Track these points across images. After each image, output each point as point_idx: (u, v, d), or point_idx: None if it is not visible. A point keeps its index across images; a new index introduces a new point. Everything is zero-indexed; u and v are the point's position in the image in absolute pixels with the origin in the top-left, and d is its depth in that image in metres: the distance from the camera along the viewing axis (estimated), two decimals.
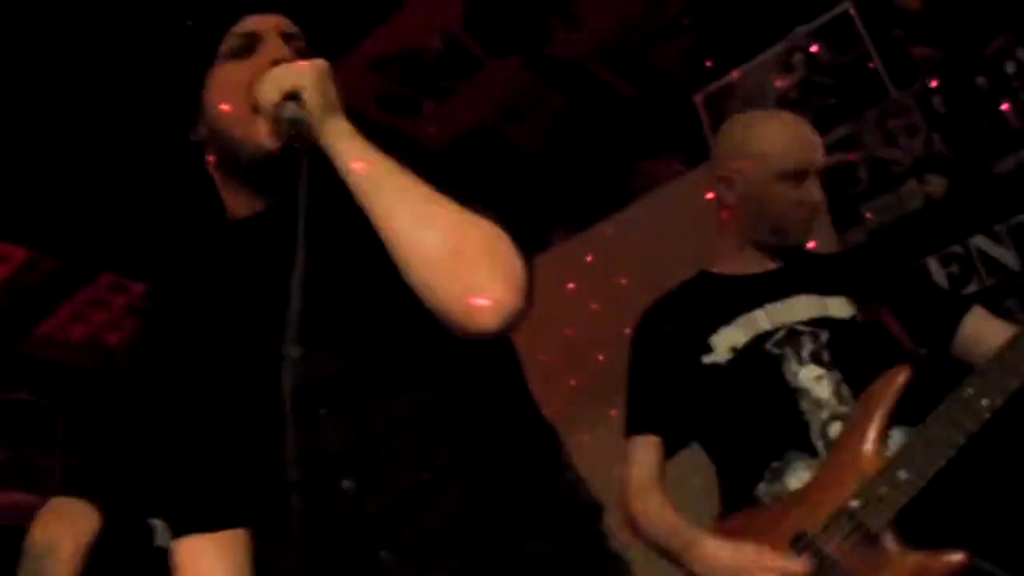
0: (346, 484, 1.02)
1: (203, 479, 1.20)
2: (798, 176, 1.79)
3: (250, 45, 1.14)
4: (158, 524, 1.78)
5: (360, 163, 1.03)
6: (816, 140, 1.86)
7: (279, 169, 1.10)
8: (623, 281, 3.01)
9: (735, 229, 1.87)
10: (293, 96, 1.04)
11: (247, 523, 1.20)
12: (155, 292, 1.31)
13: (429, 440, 1.05)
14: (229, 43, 1.14)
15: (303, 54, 1.15)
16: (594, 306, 2.97)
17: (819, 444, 1.61)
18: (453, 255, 0.99)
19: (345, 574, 1.05)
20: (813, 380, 1.65)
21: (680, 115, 3.38)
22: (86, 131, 3.23)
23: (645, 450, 1.78)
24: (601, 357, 2.92)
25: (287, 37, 1.17)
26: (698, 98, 3.38)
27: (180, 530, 1.22)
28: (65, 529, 1.66)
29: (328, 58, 1.16)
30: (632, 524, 1.73)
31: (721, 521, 1.71)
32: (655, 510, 1.72)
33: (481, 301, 0.98)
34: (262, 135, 1.10)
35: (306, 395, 0.99)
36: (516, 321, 1.03)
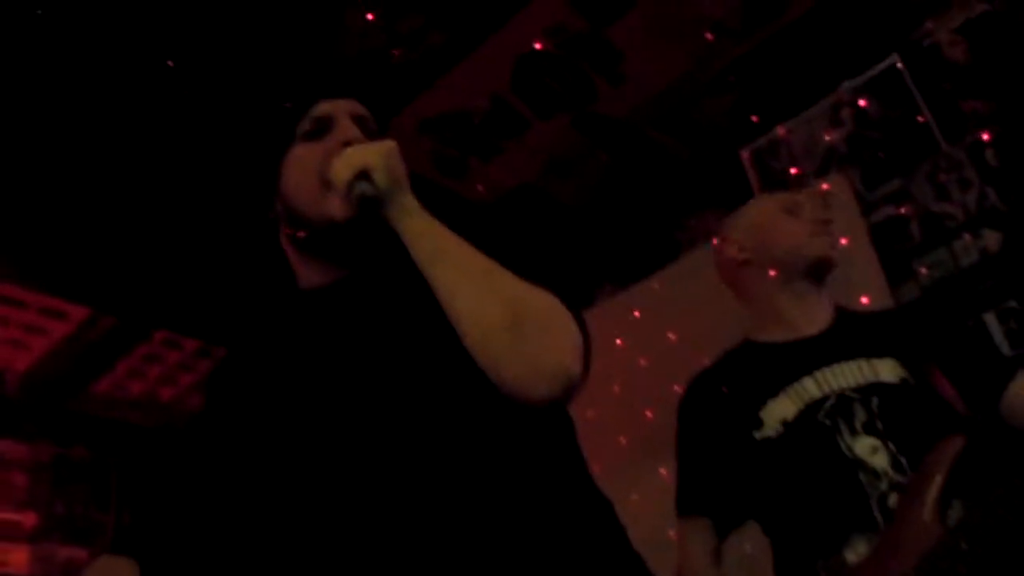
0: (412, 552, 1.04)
1: (251, 544, 1.23)
2: (797, 205, 1.83)
3: (324, 128, 1.22)
4: None
5: (422, 239, 1.09)
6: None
7: (347, 241, 1.17)
8: (671, 336, 2.99)
9: (760, 283, 1.86)
10: (363, 175, 1.11)
11: None
12: (225, 358, 1.35)
13: (492, 513, 1.06)
14: (304, 126, 1.22)
15: (373, 136, 1.22)
16: (642, 362, 2.95)
17: (878, 517, 1.56)
18: (512, 328, 1.03)
19: None
20: (869, 451, 1.61)
21: (726, 171, 3.38)
22: (149, 198, 3.34)
23: (699, 531, 1.74)
24: (650, 414, 2.89)
25: (358, 120, 1.24)
26: (745, 154, 3.39)
27: None
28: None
29: (377, 119, 1.21)
30: None
31: None
32: None
33: (540, 373, 1.02)
34: (333, 209, 1.15)
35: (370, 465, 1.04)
36: (574, 390, 1.06)
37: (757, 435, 1.69)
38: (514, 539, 1.05)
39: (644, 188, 3.66)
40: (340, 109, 1.24)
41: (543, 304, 1.07)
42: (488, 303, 1.05)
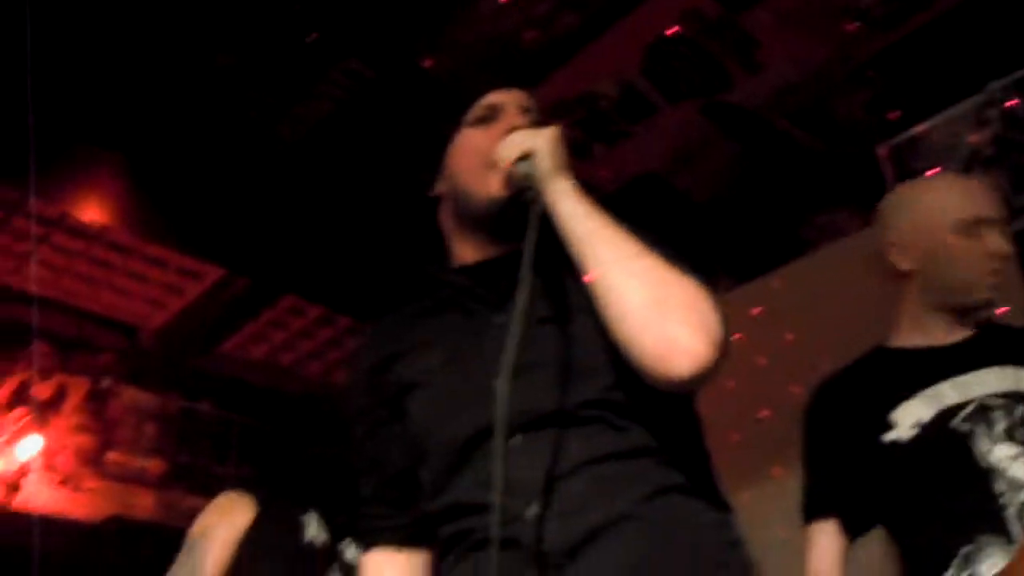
0: (530, 512, 1.08)
1: (396, 498, 1.30)
2: (976, 225, 1.67)
3: (492, 115, 1.29)
4: (309, 520, 1.87)
5: (577, 219, 1.14)
6: (991, 192, 1.76)
7: (505, 218, 1.23)
8: (789, 336, 2.91)
9: (913, 297, 1.76)
10: (527, 157, 1.18)
11: (429, 543, 1.29)
12: (374, 326, 1.43)
13: (612, 484, 1.10)
14: (474, 112, 1.30)
15: (537, 125, 1.28)
16: (759, 360, 2.88)
17: (1015, 528, 1.49)
18: (655, 306, 1.07)
19: None
20: (1009, 459, 1.53)
21: (861, 168, 3.26)
22: (302, 168, 3.46)
23: (827, 537, 1.68)
24: (765, 413, 2.83)
25: (524, 110, 1.31)
26: (882, 151, 3.25)
27: (369, 543, 1.32)
28: (221, 519, 1.79)
29: None
30: None
31: None
32: None
33: (678, 352, 1.05)
34: (494, 186, 1.23)
35: (507, 424, 1.07)
36: (710, 373, 1.07)
37: (887, 438, 1.63)
38: (640, 510, 1.08)
39: (772, 182, 3.56)
40: (509, 99, 1.31)
41: (687, 288, 1.10)
42: (634, 280, 1.09)
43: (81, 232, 4.47)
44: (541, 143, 1.18)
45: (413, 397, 1.26)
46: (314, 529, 1.88)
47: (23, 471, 4.27)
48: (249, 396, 5.45)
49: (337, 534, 1.90)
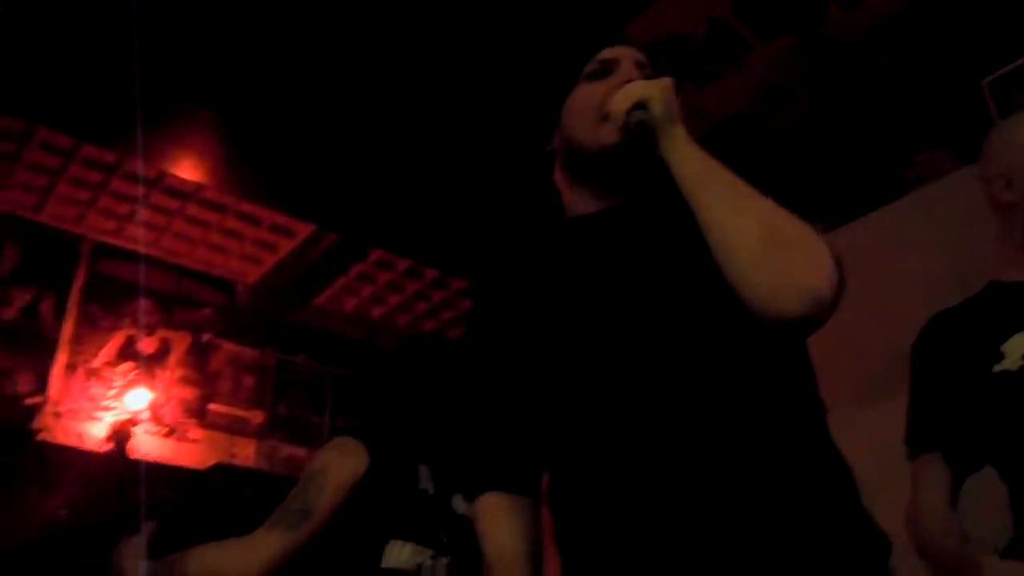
0: (647, 451, 1.09)
1: (508, 444, 1.33)
2: None
3: (607, 70, 1.32)
4: (422, 472, 1.90)
5: (690, 163, 1.16)
6: None
7: (618, 167, 1.25)
8: (887, 278, 2.82)
9: (1018, 230, 1.70)
10: (641, 105, 1.20)
11: (539, 490, 1.31)
12: (487, 282, 1.47)
13: (728, 427, 1.09)
14: (590, 67, 1.33)
15: (651, 79, 1.30)
16: (853, 302, 2.80)
17: None
18: (767, 242, 1.07)
19: (630, 553, 1.09)
20: None
21: (963, 104, 3.12)
22: (398, 127, 3.48)
23: (934, 470, 1.64)
24: (865, 354, 2.76)
25: (639, 65, 1.33)
26: (985, 85, 3.10)
27: (481, 489, 1.35)
28: (338, 459, 1.79)
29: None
30: (922, 548, 1.62)
31: (1017, 548, 1.56)
32: (946, 530, 1.60)
33: (792, 288, 1.04)
34: (607, 136, 1.25)
35: (624, 380, 1.10)
36: (824, 311, 1.06)
37: (996, 368, 1.58)
38: (757, 473, 1.07)
39: (870, 120, 3.44)
40: (624, 54, 1.34)
41: (799, 227, 1.10)
42: (747, 219, 1.09)
43: (178, 191, 4.61)
44: (655, 92, 1.19)
45: (527, 331, 1.28)
46: (426, 481, 1.91)
47: (133, 421, 4.47)
48: (342, 348, 5.59)
49: (446, 488, 1.93)
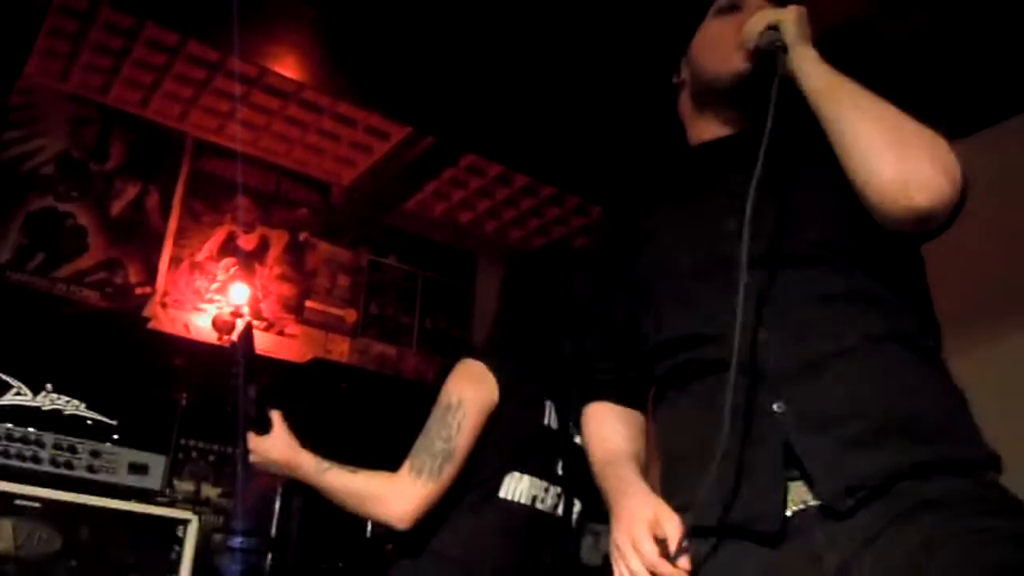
0: (760, 336, 1.16)
1: (618, 353, 1.40)
2: None
3: (736, 5, 1.37)
4: (548, 404, 1.92)
5: (818, 77, 1.20)
6: None
7: (749, 91, 1.29)
8: (1012, 193, 2.72)
9: None
10: (774, 27, 1.25)
11: (644, 403, 1.39)
12: (613, 208, 1.55)
13: (838, 320, 1.16)
14: (718, 4, 1.39)
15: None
16: (986, 216, 2.71)
17: None
18: (895, 144, 1.11)
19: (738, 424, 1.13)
20: None
21: None
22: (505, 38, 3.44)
23: None
24: (986, 270, 2.68)
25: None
26: None
27: (590, 397, 1.43)
28: (473, 391, 1.81)
29: None
30: None
31: None
32: None
33: (918, 184, 1.09)
34: (738, 63, 1.31)
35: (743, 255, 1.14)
36: (947, 210, 1.11)
37: None
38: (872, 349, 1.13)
39: (998, 25, 3.26)
40: None
41: (926, 130, 1.14)
42: (874, 123, 1.14)
43: (277, 91, 4.67)
44: (788, 15, 1.25)
45: (646, 245, 1.35)
46: (550, 416, 1.93)
47: (236, 314, 4.65)
48: (431, 252, 5.67)
49: (568, 420, 1.95)
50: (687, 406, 1.25)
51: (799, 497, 1.09)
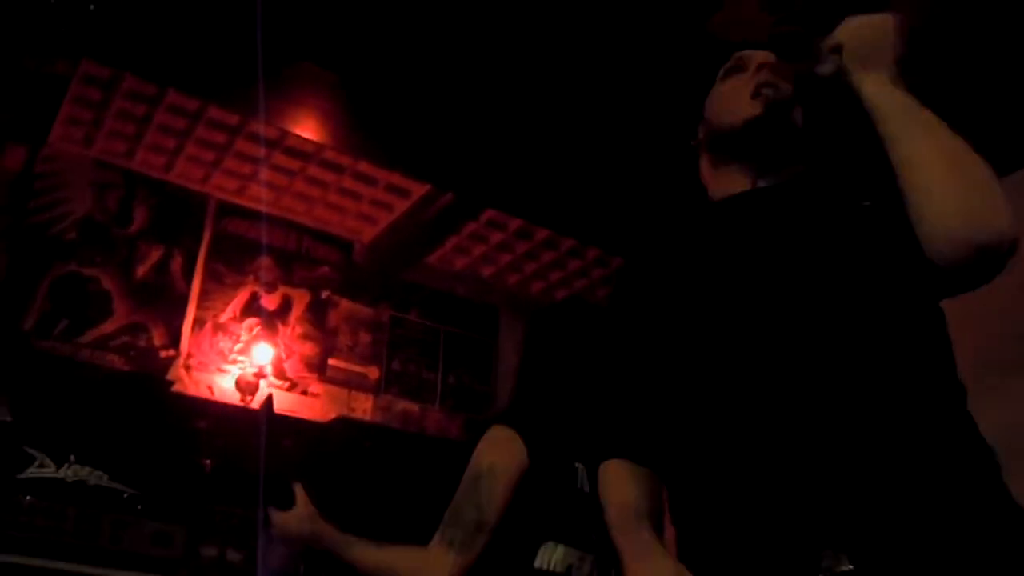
0: (774, 453, 1.08)
1: (639, 415, 1.35)
2: None
3: (743, 66, 1.39)
4: (581, 468, 1.86)
5: (886, 97, 1.15)
6: None
7: (763, 139, 1.29)
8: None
9: None
10: (836, 49, 1.20)
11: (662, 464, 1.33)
12: (632, 261, 1.53)
13: (865, 431, 1.07)
14: (725, 67, 1.41)
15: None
16: None
17: None
18: (960, 176, 1.08)
19: (752, 535, 1.08)
20: None
21: None
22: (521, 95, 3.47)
23: None
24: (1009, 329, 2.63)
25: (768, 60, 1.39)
26: None
27: (609, 456, 1.38)
28: (503, 457, 1.76)
29: None
30: None
31: None
32: None
33: (979, 221, 1.05)
34: (751, 110, 1.31)
35: (759, 358, 1.11)
36: (1003, 254, 1.07)
37: None
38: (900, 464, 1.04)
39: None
40: (757, 53, 1.40)
41: (987, 167, 1.11)
42: (942, 154, 1.10)
43: (299, 152, 4.71)
44: (847, 35, 1.20)
45: (669, 318, 1.29)
46: (583, 480, 1.87)
47: (260, 375, 4.64)
48: (452, 306, 5.66)
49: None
50: (697, 480, 1.21)
51: None
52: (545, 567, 1.76)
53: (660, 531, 1.29)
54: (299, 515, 1.81)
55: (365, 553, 1.75)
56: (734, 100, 1.34)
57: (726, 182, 1.36)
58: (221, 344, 4.78)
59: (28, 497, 2.53)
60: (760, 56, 1.37)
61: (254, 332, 4.87)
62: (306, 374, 4.98)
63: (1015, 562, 1.00)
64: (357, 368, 5.18)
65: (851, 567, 0.99)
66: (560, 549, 1.78)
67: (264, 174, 4.87)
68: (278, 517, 1.82)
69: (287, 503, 1.83)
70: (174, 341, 4.66)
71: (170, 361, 4.60)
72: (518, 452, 1.78)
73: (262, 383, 4.70)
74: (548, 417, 1.88)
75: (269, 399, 2.04)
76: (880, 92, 1.15)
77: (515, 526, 1.76)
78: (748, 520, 1.08)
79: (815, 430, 1.07)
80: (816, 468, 1.05)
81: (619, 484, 1.33)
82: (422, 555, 1.71)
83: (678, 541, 1.22)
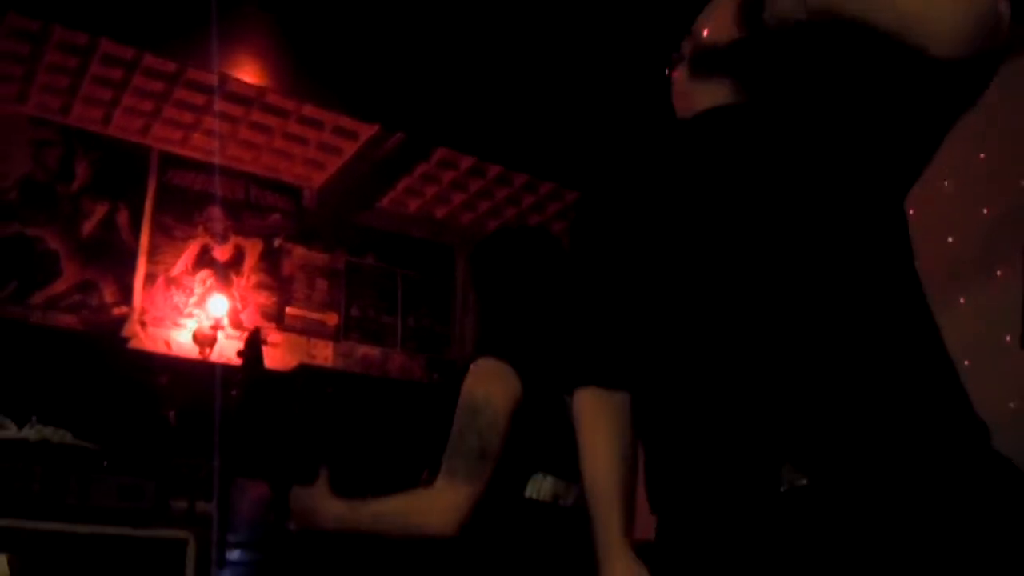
0: (741, 364, 1.10)
1: (609, 340, 1.35)
2: None
3: None
4: (569, 399, 1.86)
5: None
6: None
7: (739, 56, 1.28)
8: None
9: None
10: None
11: (631, 384, 1.34)
12: (596, 184, 1.48)
13: (827, 337, 1.08)
14: None
15: None
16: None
17: None
18: None
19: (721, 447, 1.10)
20: None
21: None
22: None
23: None
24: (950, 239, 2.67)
25: None
26: None
27: (581, 383, 1.38)
28: (500, 388, 1.74)
29: None
30: None
31: None
32: None
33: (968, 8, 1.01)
34: (733, 29, 1.28)
35: (723, 272, 1.12)
36: (999, 33, 1.03)
37: None
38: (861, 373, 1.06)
39: None
40: None
41: None
42: None
43: (241, 97, 4.61)
44: None
45: (635, 237, 1.28)
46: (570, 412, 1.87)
47: (216, 327, 4.60)
48: (408, 249, 5.64)
49: None
50: (667, 399, 1.22)
51: None
52: (534, 497, 1.78)
53: (634, 467, 1.31)
54: (319, 494, 1.81)
55: (375, 507, 1.75)
56: (725, 18, 1.30)
57: (698, 96, 1.34)
58: (175, 298, 4.71)
59: None
60: None
61: (208, 284, 4.81)
62: (264, 324, 4.94)
63: (972, 474, 1.03)
64: (315, 315, 5.16)
65: (805, 481, 1.03)
66: (549, 480, 1.80)
67: (206, 122, 4.75)
68: (300, 495, 1.82)
69: (310, 479, 1.82)
70: (126, 298, 4.59)
71: (124, 318, 4.53)
72: (512, 383, 1.77)
73: (219, 335, 4.66)
74: (534, 347, 1.88)
75: (255, 333, 2.01)
76: None
77: (507, 457, 1.75)
78: (712, 435, 1.10)
79: (778, 347, 1.08)
80: (778, 383, 1.06)
81: (593, 425, 1.34)
82: (429, 494, 1.71)
83: (645, 460, 1.24)
